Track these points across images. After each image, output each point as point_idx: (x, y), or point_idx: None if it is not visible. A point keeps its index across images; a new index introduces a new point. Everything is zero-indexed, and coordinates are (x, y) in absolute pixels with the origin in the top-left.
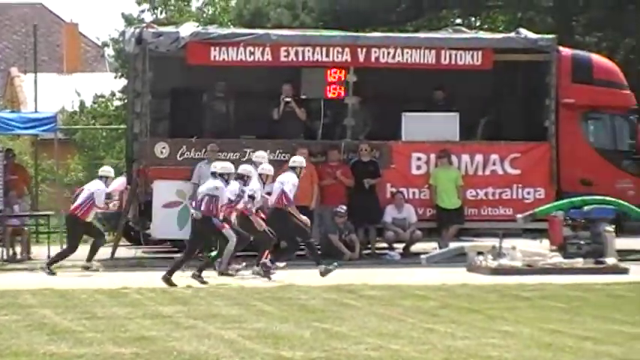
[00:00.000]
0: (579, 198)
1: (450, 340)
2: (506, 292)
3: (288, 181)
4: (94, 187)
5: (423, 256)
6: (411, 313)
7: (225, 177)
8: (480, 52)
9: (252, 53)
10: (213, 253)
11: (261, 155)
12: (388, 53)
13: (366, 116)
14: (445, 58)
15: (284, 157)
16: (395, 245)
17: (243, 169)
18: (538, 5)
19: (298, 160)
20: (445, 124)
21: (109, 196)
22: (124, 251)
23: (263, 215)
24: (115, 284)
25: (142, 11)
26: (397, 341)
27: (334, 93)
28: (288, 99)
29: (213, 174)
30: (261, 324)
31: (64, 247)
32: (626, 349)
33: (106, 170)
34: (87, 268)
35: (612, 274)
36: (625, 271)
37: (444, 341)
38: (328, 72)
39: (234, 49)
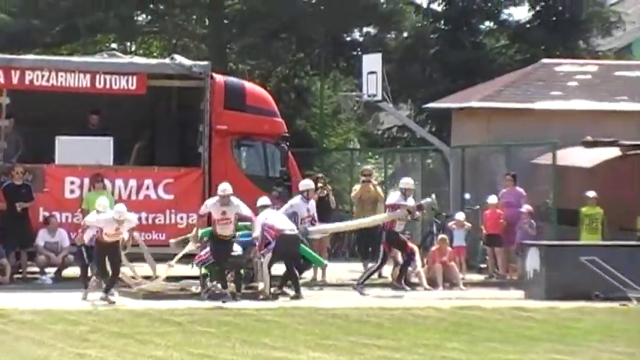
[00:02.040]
0: None
1: None
2: (157, 317)
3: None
4: None
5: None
6: (62, 338)
7: None
8: (134, 77)
9: None
10: None
11: None
12: (42, 76)
13: (18, 139)
14: (100, 82)
15: None
16: (47, 269)
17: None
18: (193, 33)
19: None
20: (99, 148)
21: None
22: None
23: None
24: None
25: None
26: None
27: None
28: None
29: None
30: None
31: None
32: None
33: None
34: None
35: (262, 300)
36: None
37: None
38: None
39: None
